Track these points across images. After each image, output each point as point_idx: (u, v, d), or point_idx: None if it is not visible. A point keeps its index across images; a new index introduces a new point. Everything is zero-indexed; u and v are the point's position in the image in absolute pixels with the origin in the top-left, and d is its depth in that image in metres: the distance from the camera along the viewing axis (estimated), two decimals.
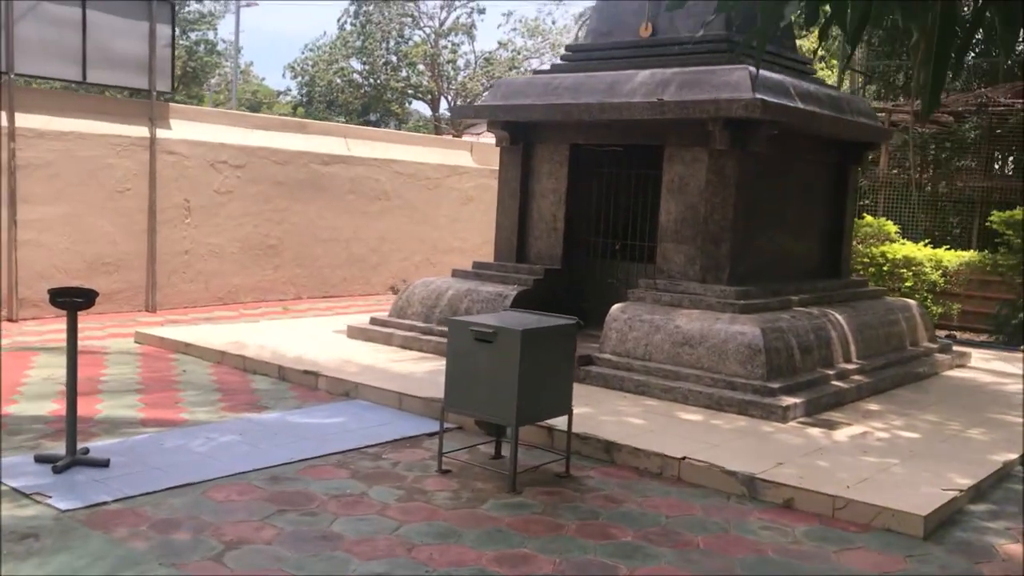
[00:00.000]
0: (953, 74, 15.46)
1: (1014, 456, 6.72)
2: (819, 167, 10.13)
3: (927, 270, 13.06)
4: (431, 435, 6.90)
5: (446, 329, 9.40)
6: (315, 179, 13.94)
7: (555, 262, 9.87)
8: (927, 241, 13.84)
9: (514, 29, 53.54)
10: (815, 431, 7.13)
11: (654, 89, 8.94)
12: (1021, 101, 13.55)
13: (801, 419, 7.42)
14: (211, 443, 6.41)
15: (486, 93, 9.73)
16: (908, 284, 13.04)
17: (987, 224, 12.89)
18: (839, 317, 9.01)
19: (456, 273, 10.36)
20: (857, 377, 8.60)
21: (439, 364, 8.84)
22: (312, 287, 14.07)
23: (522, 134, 10.01)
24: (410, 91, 51.63)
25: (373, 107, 51.35)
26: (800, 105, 8.81)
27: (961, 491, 5.79)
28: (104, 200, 11.55)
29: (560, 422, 6.33)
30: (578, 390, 6.58)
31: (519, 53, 52.34)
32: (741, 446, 6.56)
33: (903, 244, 13.61)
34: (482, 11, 51.16)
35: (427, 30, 51.39)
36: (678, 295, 8.66)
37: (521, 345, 5.68)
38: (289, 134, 13.96)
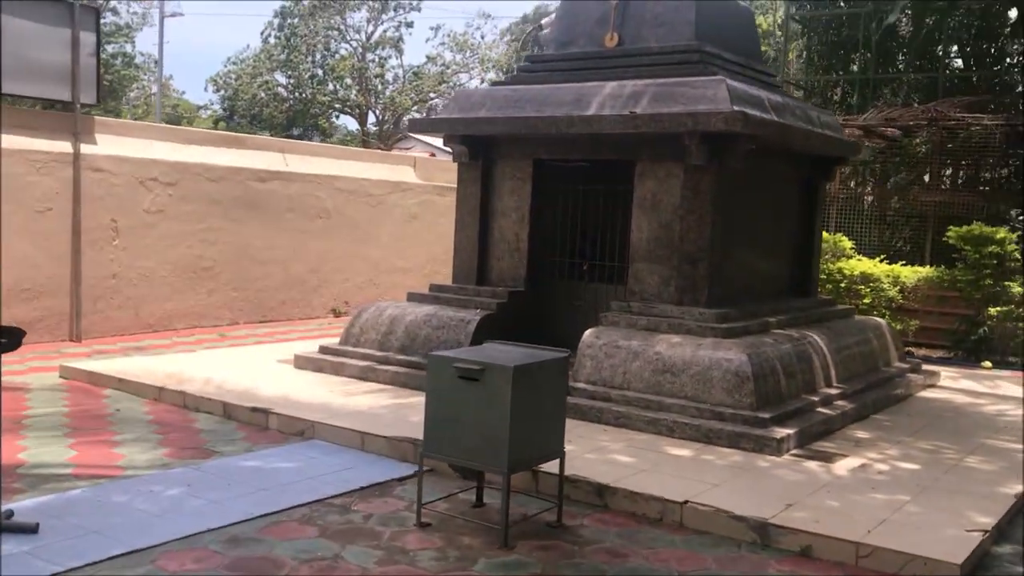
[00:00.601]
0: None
1: (1021, 488, 6.36)
2: (789, 182, 9.78)
3: (885, 286, 12.86)
4: (401, 480, 6.27)
5: (405, 358, 8.87)
6: (252, 197, 13.15)
7: (519, 284, 9.31)
8: (883, 257, 13.66)
9: (442, 43, 52.88)
10: (813, 465, 6.68)
11: (625, 102, 8.46)
12: (971, 116, 13.50)
13: (795, 451, 6.98)
14: (156, 498, 5.66)
15: (441, 106, 9.13)
16: (867, 301, 12.81)
17: (944, 239, 12.74)
18: (818, 339, 8.63)
19: (412, 297, 9.72)
20: (840, 403, 8.21)
21: (399, 397, 8.21)
22: (249, 311, 13.25)
23: (482, 149, 9.44)
24: (337, 105, 50.69)
25: (298, 121, 50.27)
26: (776, 118, 8.43)
27: (985, 532, 5.38)
28: (24, 221, 10.61)
29: (549, 464, 5.75)
30: None
31: (448, 68, 51.89)
32: (742, 485, 6.07)
33: (860, 260, 13.40)
34: (410, 25, 50.53)
35: (354, 43, 50.58)
36: (655, 319, 8.17)
37: (513, 383, 5.10)
38: (223, 149, 13.15)
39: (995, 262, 12.18)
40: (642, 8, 9.08)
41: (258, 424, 7.57)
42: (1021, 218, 13.72)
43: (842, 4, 19.50)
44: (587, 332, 8.15)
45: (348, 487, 6.07)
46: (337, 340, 9.70)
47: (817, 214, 10.21)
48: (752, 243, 9.03)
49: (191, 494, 5.76)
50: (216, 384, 8.45)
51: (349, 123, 53.61)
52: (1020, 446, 7.57)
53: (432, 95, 50.74)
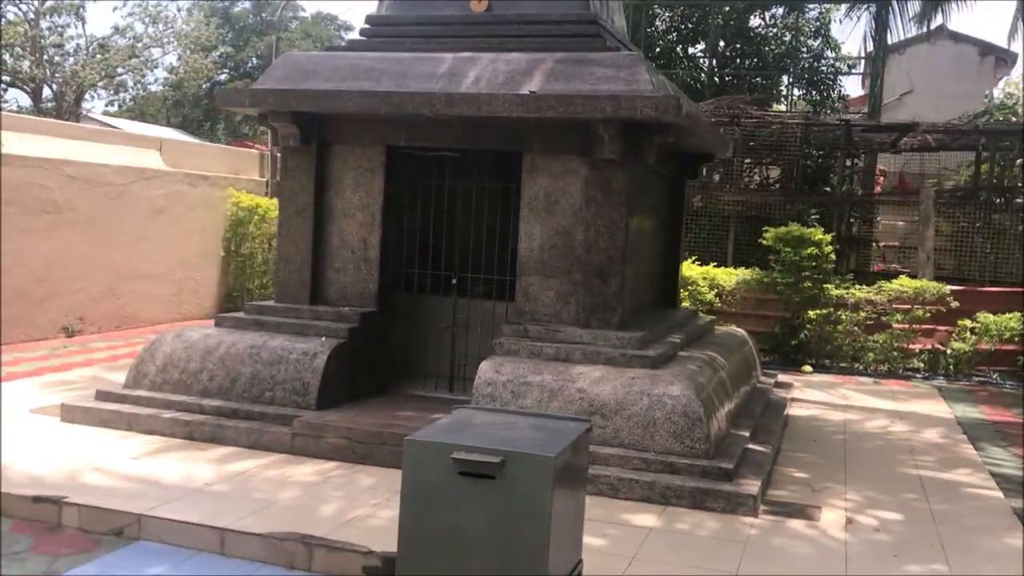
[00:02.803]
0: None
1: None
2: (662, 182, 8.66)
3: (703, 289, 12.24)
4: None
5: (227, 405, 6.68)
6: None
7: (368, 302, 7.44)
8: (694, 259, 13.08)
9: (132, 14, 47.58)
10: (800, 526, 5.55)
11: (510, 78, 6.88)
12: (771, 113, 13.25)
13: (765, 508, 5.80)
14: None
15: (261, 75, 7.04)
16: (685, 304, 12.10)
17: (760, 240, 12.34)
18: (723, 362, 7.57)
19: (223, 321, 7.50)
20: (745, 433, 7.15)
21: (240, 460, 6.16)
22: None
23: (316, 131, 7.44)
24: (6, 77, 44.00)
25: None
26: (693, 108, 7.22)
27: None
28: None
29: None
30: None
31: (139, 41, 46.85)
32: (758, 569, 4.77)
33: None
34: None
35: (25, 8, 44.12)
36: (564, 346, 6.67)
37: (556, 479, 3.42)
38: None
39: (814, 264, 11.91)
40: None
41: (47, 520, 5.19)
42: (815, 215, 13.74)
43: None
44: (484, 365, 6.50)
45: None
46: (121, 380, 7.29)
47: (683, 217, 9.21)
48: (643, 252, 7.80)
49: None
50: None
51: (20, 98, 46.79)
52: (950, 474, 6.94)
53: (120, 70, 45.61)
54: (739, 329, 9.91)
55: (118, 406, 6.90)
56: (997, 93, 25.36)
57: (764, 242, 12.24)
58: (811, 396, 9.94)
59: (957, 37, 25.35)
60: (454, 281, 7.44)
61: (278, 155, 15.85)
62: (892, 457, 7.43)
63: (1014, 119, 17.04)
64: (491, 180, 7.39)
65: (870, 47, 18.17)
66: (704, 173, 13.22)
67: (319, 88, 7.12)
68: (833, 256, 12.19)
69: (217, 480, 5.75)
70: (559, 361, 6.57)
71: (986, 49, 25.61)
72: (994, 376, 11.70)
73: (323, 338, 7.01)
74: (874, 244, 15.82)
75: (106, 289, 12.08)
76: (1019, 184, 14.26)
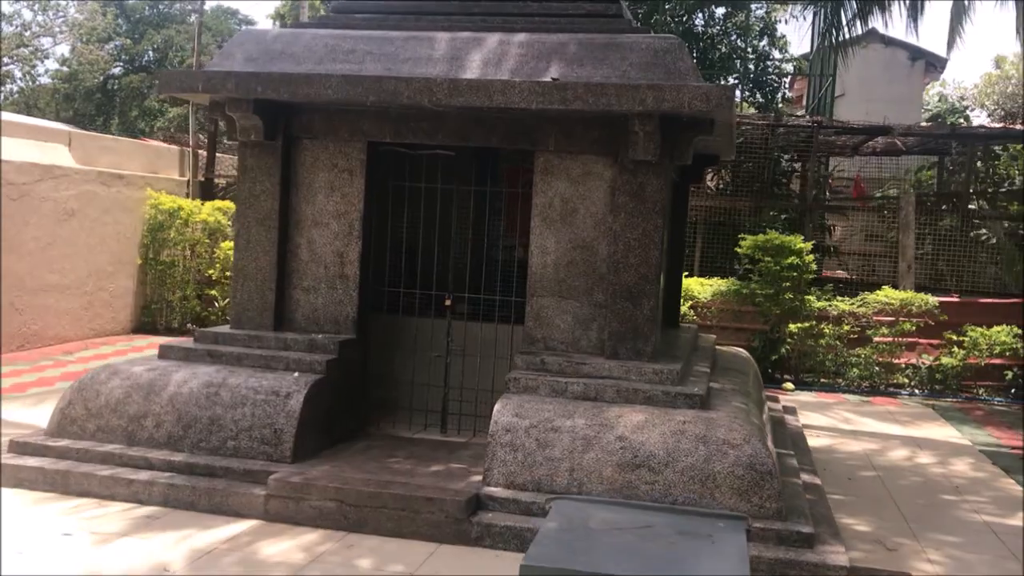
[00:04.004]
0: None
1: None
2: (669, 187, 7.68)
3: None
4: None
5: (180, 459, 5.33)
6: None
7: (345, 328, 6.25)
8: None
9: (19, 0, 44.54)
10: None
11: (526, 62, 5.80)
12: (741, 116, 12.45)
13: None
14: None
15: (216, 55, 5.80)
16: None
17: (736, 248, 11.52)
18: (755, 394, 6.63)
19: (169, 352, 6.18)
20: (798, 481, 6.23)
21: (201, 532, 4.91)
22: None
23: (282, 123, 6.21)
24: None
25: None
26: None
27: None
28: None
29: None
30: (474, 559, 3.40)
31: (28, 29, 43.92)
32: None
33: None
34: None
35: None
36: (592, 381, 5.61)
37: None
38: None
39: (794, 274, 11.14)
40: None
41: None
42: (784, 217, 13.00)
43: None
44: (500, 407, 5.39)
45: None
46: (33, 416, 5.95)
47: (685, 225, 8.27)
48: (666, 267, 6.82)
49: None
50: None
51: None
52: (1016, 520, 6.16)
53: (7, 60, 42.63)
54: (738, 349, 9.02)
55: (39, 461, 5.55)
56: (927, 98, 25.35)
57: (740, 250, 11.43)
58: (813, 420, 9.12)
59: (888, 41, 25.22)
60: (448, 302, 6.31)
61: (202, 152, 14.42)
62: (940, 498, 6.62)
63: (963, 122, 16.68)
64: (493, 184, 6.30)
65: (810, 48, 17.67)
66: (708, 177, 12.34)
67: (292, 72, 5.89)
68: (814, 266, 11.47)
69: (178, 564, 4.50)
70: (588, 400, 5.51)
71: (916, 54, 25.54)
72: (979, 392, 11.14)
73: (296, 373, 5.80)
74: (832, 250, 15.23)
75: (7, 304, 10.48)
76: (1000, 189, 13.83)
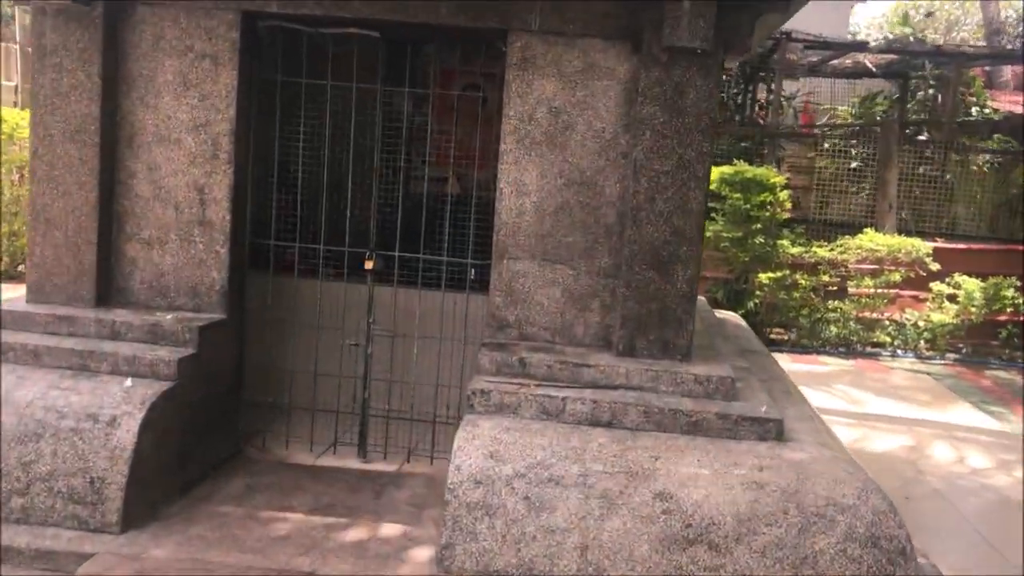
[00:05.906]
0: None
1: None
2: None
3: None
4: None
5: None
6: None
7: (210, 302, 4.05)
8: None
9: None
10: None
11: None
12: None
13: None
14: None
15: None
16: None
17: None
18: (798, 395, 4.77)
19: None
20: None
21: None
22: None
23: None
24: None
25: None
26: None
27: None
28: None
29: None
30: None
31: None
32: None
33: None
34: None
35: None
36: (604, 394, 3.59)
37: None
38: None
39: (767, 214, 9.35)
40: None
41: None
42: (744, 145, 11.16)
43: None
44: (462, 440, 3.33)
45: None
46: None
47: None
48: None
49: None
50: None
51: None
52: None
53: None
54: (730, 313, 7.19)
55: None
56: (854, 20, 23.84)
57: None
58: (811, 398, 7.40)
59: None
60: (369, 267, 4.17)
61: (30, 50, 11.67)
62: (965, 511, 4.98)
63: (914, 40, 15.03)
64: (441, 84, 4.14)
65: None
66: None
67: None
68: (788, 204, 9.70)
69: None
70: (600, 427, 3.51)
71: None
72: (966, 350, 9.66)
73: (128, 380, 3.61)
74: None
75: None
76: (980, 118, 12.29)
